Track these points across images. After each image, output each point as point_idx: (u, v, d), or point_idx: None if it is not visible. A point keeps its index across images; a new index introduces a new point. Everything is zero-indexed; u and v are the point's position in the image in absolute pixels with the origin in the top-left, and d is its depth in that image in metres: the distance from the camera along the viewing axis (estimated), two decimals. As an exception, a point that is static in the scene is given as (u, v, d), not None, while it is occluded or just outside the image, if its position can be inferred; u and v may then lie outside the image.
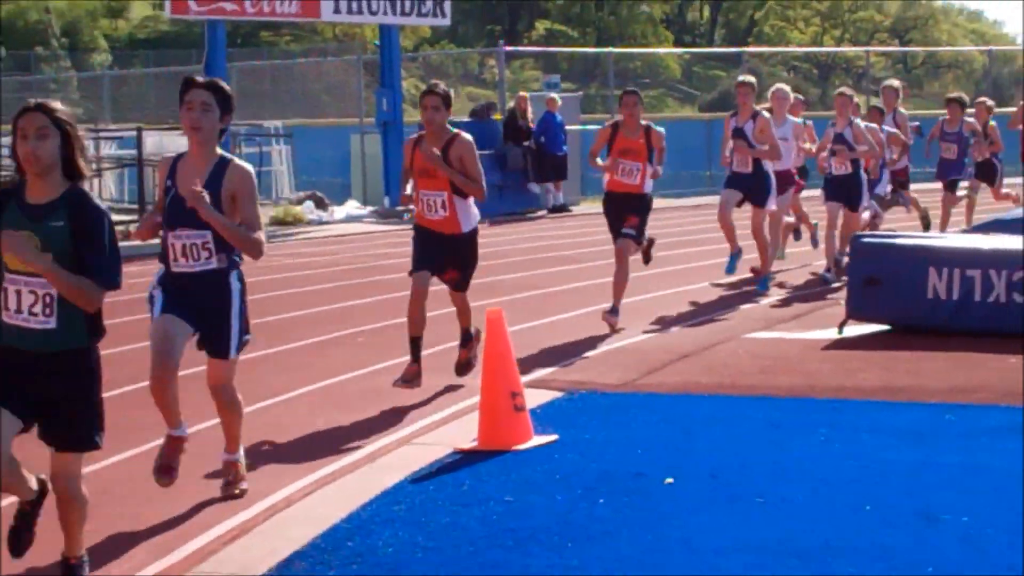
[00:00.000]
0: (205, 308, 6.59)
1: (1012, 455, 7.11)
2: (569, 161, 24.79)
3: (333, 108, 33.69)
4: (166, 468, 6.76)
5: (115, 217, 18.23)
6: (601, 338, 11.21)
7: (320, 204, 24.49)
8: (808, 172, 16.11)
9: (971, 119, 17.48)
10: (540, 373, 9.77)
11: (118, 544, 6.17)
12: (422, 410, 8.77)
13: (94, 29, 70.80)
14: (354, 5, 23.68)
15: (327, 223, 23.38)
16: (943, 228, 16.90)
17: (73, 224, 5.19)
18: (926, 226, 16.95)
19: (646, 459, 7.21)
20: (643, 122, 11.78)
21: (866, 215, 14.85)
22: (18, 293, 5.23)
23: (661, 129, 11.80)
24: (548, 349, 10.76)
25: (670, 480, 6.76)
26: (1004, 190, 18.28)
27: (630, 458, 7.24)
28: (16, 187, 5.30)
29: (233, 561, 5.88)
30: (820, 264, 14.80)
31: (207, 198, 6.33)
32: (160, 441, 7.96)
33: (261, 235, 6.59)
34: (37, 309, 5.23)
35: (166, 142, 26.92)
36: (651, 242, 12.18)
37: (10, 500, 6.67)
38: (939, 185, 17.76)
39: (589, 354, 10.54)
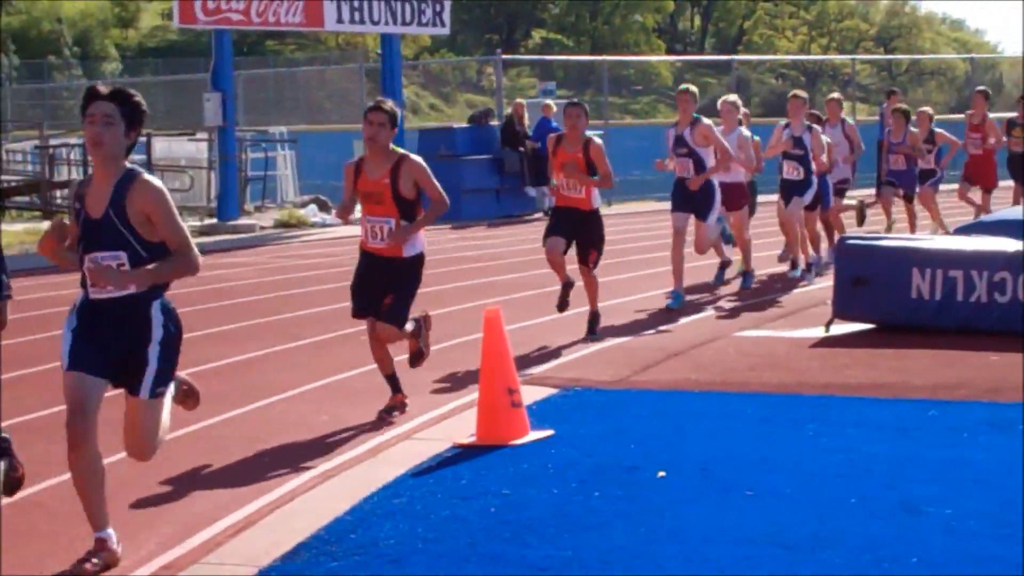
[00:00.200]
0: (120, 342, 5.76)
1: (993, 450, 7.11)
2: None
3: (336, 114, 33.71)
4: None
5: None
6: (598, 336, 11.20)
7: (323, 207, 24.49)
8: (756, 189, 15.29)
9: (914, 129, 16.75)
10: (536, 370, 9.77)
11: (126, 536, 6.15)
12: (422, 406, 8.76)
13: (105, 38, 70.78)
14: (356, 15, 23.70)
15: (330, 226, 23.38)
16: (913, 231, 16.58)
17: None
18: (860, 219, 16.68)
19: (639, 453, 7.21)
20: (586, 134, 11.03)
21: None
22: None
23: (599, 142, 11.08)
24: (544, 347, 10.76)
25: (662, 473, 6.76)
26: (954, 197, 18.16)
27: (623, 452, 7.24)
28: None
29: (239, 553, 5.87)
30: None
31: (114, 272, 5.58)
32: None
33: (191, 251, 5.80)
34: None
35: (175, 147, 26.96)
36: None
37: (13, 498, 6.67)
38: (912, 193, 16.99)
39: (584, 352, 10.54)
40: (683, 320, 12.00)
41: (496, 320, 7.62)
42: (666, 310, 12.45)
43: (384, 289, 8.40)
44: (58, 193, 25.32)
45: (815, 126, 14.11)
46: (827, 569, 5.31)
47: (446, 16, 25.09)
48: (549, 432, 7.72)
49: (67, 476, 7.13)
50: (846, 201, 16.40)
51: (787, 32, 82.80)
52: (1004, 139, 18.32)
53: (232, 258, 18.72)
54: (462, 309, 12.80)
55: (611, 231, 12.36)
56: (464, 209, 23.34)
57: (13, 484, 6.31)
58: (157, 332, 5.86)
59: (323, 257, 18.44)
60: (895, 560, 5.38)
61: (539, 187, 24.63)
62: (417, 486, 6.75)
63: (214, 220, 23.27)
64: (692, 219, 12.87)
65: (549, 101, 25.87)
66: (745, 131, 14.14)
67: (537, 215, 24.49)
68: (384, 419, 8.37)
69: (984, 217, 12.76)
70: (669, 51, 78.06)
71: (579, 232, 11.00)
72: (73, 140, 27.25)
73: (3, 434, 6.33)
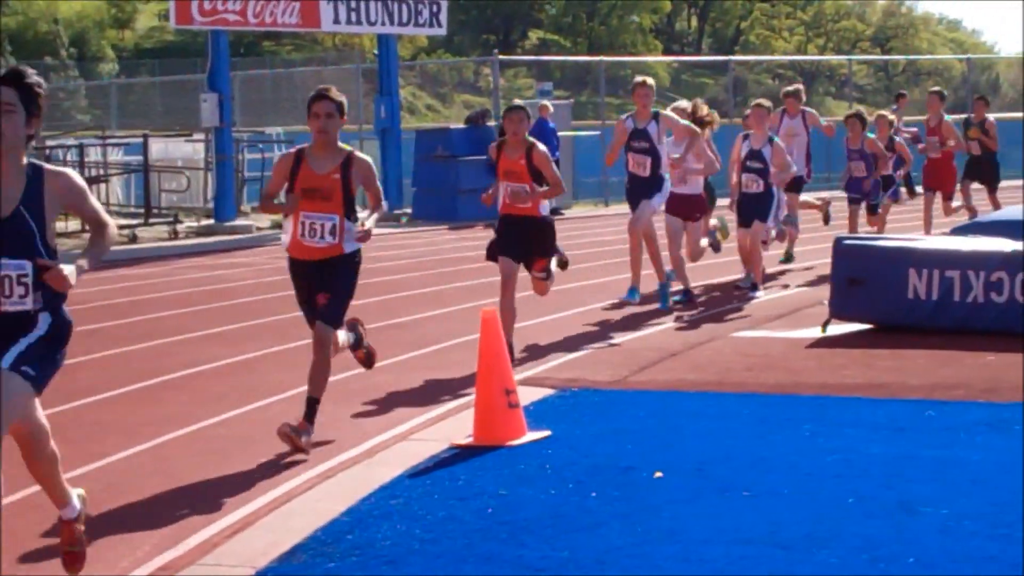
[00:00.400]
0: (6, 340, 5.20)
1: (990, 450, 7.12)
2: (561, 166, 24.77)
3: (333, 115, 33.63)
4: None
5: (121, 221, 18.21)
6: (592, 337, 11.21)
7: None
8: (715, 194, 14.73)
9: (872, 135, 15.80)
10: (533, 371, 9.77)
11: (124, 538, 6.16)
12: (419, 407, 8.76)
13: (101, 39, 70.74)
14: (353, 15, 23.70)
15: (327, 226, 23.33)
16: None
17: None
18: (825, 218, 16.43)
19: (636, 454, 7.21)
20: (527, 140, 10.24)
21: (772, 232, 13.92)
22: None
23: (543, 147, 10.25)
24: (541, 348, 10.77)
25: (659, 474, 6.76)
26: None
27: (620, 453, 7.24)
28: None
29: (236, 554, 5.88)
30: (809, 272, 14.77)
31: (72, 277, 5.17)
32: (161, 440, 7.97)
33: (109, 220, 5.41)
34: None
35: (171, 148, 26.96)
36: (564, 263, 10.90)
37: (10, 499, 6.67)
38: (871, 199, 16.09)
39: (581, 352, 10.54)
40: (679, 321, 12.00)
41: (493, 321, 7.63)
42: (662, 308, 12.45)
43: (318, 288, 7.81)
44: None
45: (777, 139, 13.48)
46: (824, 569, 5.31)
47: (443, 17, 25.10)
48: (546, 433, 7.72)
49: (64, 477, 7.14)
50: (803, 197, 16.09)
51: (784, 33, 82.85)
52: (964, 143, 17.71)
53: (229, 259, 18.72)
54: (460, 309, 12.81)
55: (605, 232, 12.40)
56: (461, 209, 23.36)
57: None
58: (42, 327, 5.30)
59: (320, 258, 18.43)
60: (892, 560, 5.39)
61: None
62: (414, 487, 6.75)
63: (211, 221, 23.27)
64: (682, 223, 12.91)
65: (546, 102, 25.88)
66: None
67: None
68: (285, 434, 7.51)
69: (981, 217, 12.76)
70: (666, 52, 78.07)
71: (529, 242, 10.23)
72: (70, 141, 27.25)
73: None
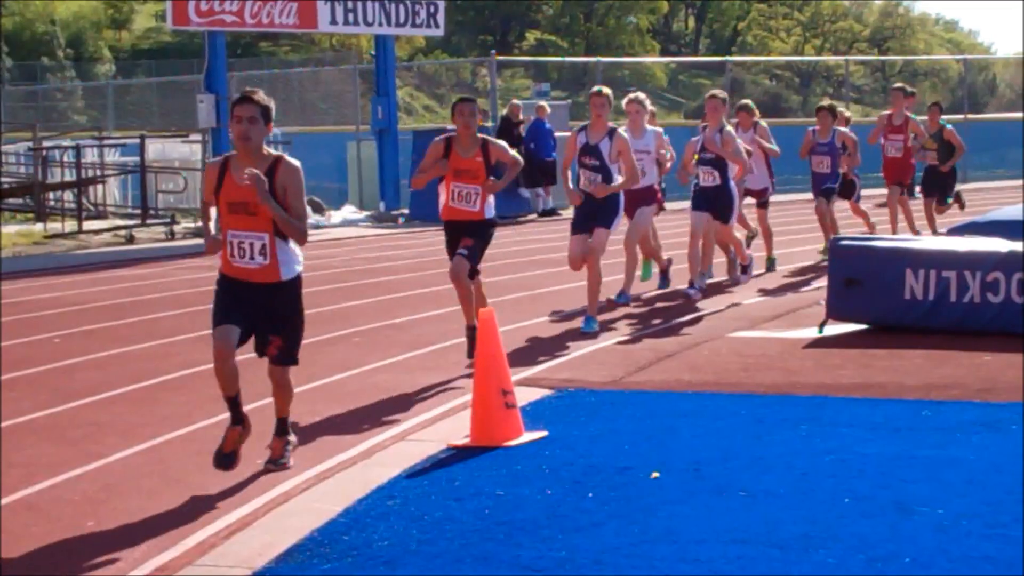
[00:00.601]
0: None
1: (985, 449, 7.13)
2: (558, 166, 24.82)
3: (330, 116, 33.73)
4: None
5: (119, 222, 18.18)
6: (589, 337, 11.22)
7: (318, 209, 24.49)
8: (665, 189, 14.34)
9: (845, 128, 15.51)
10: (530, 372, 9.78)
11: (122, 538, 6.17)
12: (417, 407, 8.77)
13: (98, 40, 70.78)
14: (350, 16, 23.71)
15: (325, 227, 23.38)
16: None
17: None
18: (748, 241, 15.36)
19: (632, 454, 7.22)
20: (479, 136, 9.78)
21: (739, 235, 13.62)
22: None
23: (501, 142, 9.82)
24: (538, 348, 10.78)
25: (656, 474, 6.77)
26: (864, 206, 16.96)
27: (617, 453, 7.25)
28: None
29: (234, 554, 5.89)
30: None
31: None
32: (158, 440, 7.99)
33: None
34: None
35: (168, 149, 26.97)
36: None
37: (10, 499, 6.68)
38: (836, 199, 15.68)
39: (577, 353, 10.55)
40: (676, 321, 12.01)
41: (490, 321, 7.64)
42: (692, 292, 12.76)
43: (258, 321, 7.05)
44: (51, 195, 25.31)
45: (728, 127, 12.97)
46: (820, 569, 5.32)
47: (440, 17, 25.11)
48: (543, 433, 7.73)
49: (60, 478, 7.16)
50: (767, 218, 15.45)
51: (781, 33, 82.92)
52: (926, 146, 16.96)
53: (226, 260, 18.71)
54: (457, 310, 12.80)
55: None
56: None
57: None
58: None
59: (317, 259, 18.44)
60: (888, 560, 5.40)
61: (533, 188, 24.67)
62: (411, 487, 6.76)
63: (208, 222, 23.25)
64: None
65: (543, 102, 25.90)
66: (658, 129, 13.40)
67: (531, 216, 24.52)
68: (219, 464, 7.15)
69: (977, 218, 12.75)
70: (663, 52, 78.17)
71: (465, 234, 9.92)
72: (66, 142, 27.24)
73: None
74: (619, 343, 10.95)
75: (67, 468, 7.38)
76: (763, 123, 15.33)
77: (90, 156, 25.56)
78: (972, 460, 6.90)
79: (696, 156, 12.98)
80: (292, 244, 7.00)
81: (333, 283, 15.52)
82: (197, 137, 25.18)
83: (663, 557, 5.51)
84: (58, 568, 5.74)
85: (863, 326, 11.05)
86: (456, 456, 7.35)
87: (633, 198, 12.51)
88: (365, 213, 24.98)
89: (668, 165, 13.74)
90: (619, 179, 11.38)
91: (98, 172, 25.66)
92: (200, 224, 7.63)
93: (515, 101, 26.33)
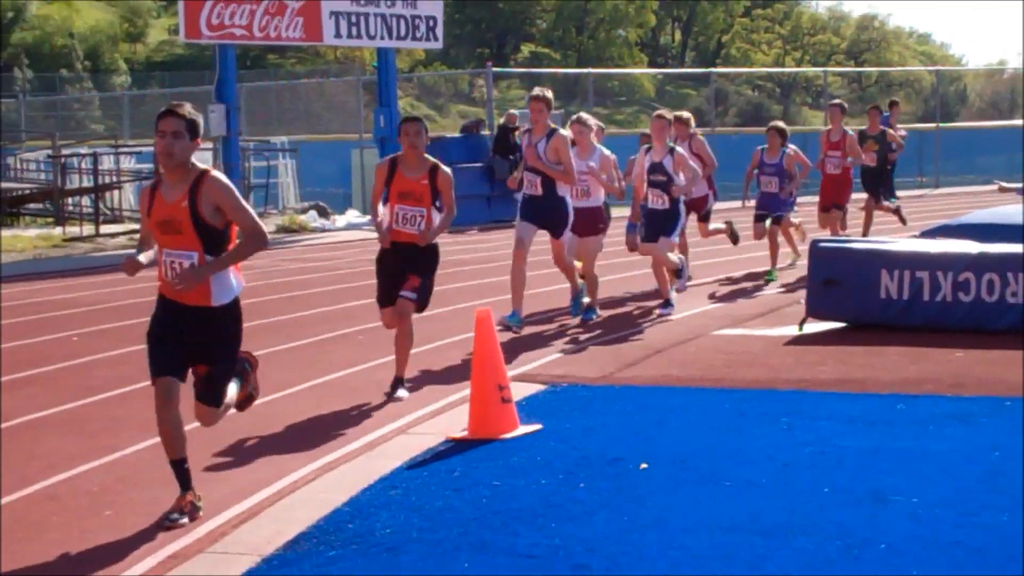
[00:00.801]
0: None
1: (956, 441, 7.13)
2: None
3: (334, 125, 33.72)
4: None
5: (134, 226, 18.10)
6: (581, 336, 11.22)
7: (323, 213, 24.48)
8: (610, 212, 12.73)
9: (794, 148, 14.73)
10: (525, 368, 9.77)
11: (137, 526, 6.16)
12: (417, 402, 8.76)
13: (115, 53, 70.67)
14: (354, 29, 23.68)
15: (329, 231, 23.37)
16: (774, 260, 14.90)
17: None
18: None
19: (622, 446, 7.22)
20: (429, 159, 8.92)
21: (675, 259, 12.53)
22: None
23: (448, 171, 8.94)
24: (532, 346, 10.77)
25: (644, 465, 6.77)
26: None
27: (608, 445, 7.25)
28: None
29: (243, 542, 5.88)
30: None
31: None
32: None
33: None
34: None
35: (181, 156, 26.92)
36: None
37: (10, 498, 6.66)
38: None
39: (570, 350, 10.55)
40: (664, 320, 12.01)
41: (487, 320, 7.63)
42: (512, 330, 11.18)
43: (189, 348, 6.33)
44: (70, 200, 25.29)
45: (678, 149, 12.22)
46: (801, 555, 5.32)
47: (439, 31, 25.08)
48: (537, 426, 7.73)
49: (79, 470, 7.15)
50: (713, 225, 14.76)
51: (763, 46, 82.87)
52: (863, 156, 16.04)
53: (236, 262, 18.69)
54: (455, 309, 12.81)
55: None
56: (457, 215, 23.32)
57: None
58: None
59: (323, 261, 18.44)
60: (865, 546, 5.40)
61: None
62: (412, 478, 6.75)
63: (219, 226, 23.23)
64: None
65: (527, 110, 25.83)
66: (605, 150, 12.10)
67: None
68: (167, 526, 6.15)
69: (948, 221, 12.75)
70: (651, 64, 78.21)
71: (410, 264, 8.94)
72: (84, 150, 27.22)
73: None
74: (610, 341, 10.94)
75: (85, 460, 7.37)
76: (700, 134, 14.68)
77: (107, 163, 25.55)
78: (944, 451, 6.91)
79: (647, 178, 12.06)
80: (228, 270, 6.31)
81: (338, 284, 15.51)
82: (208, 145, 25.15)
83: (652, 544, 5.51)
84: (77, 554, 5.73)
85: (841, 324, 11.05)
86: (455, 448, 7.34)
87: (581, 220, 11.61)
88: (368, 217, 24.96)
89: (617, 185, 12.20)
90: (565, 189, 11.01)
91: (114, 178, 25.64)
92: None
93: (512, 111, 26.31)
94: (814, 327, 11.00)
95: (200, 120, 6.26)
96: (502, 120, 25.39)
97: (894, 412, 7.93)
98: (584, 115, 12.25)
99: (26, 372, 10.12)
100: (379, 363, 10.14)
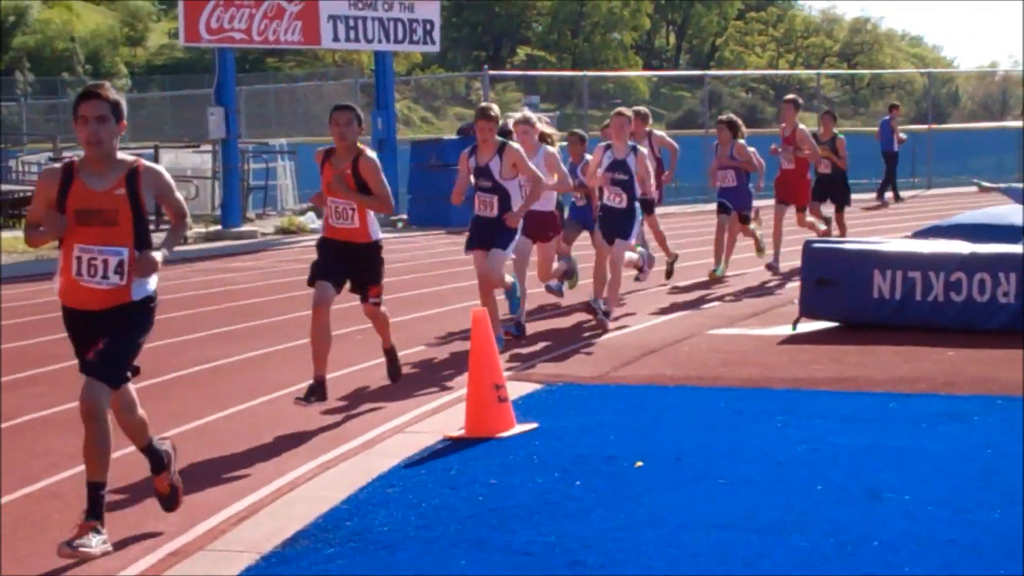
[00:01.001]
0: None
1: (949, 439, 7.13)
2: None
3: (333, 127, 33.66)
4: None
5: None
6: (577, 335, 11.21)
7: (321, 215, 24.47)
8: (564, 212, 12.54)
9: (752, 147, 14.47)
10: (521, 367, 9.76)
11: (136, 524, 6.15)
12: (414, 401, 8.75)
13: (115, 56, 70.71)
14: (351, 33, 23.68)
15: (328, 232, 23.32)
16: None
17: None
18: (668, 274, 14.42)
19: (618, 444, 7.21)
20: (357, 147, 8.39)
21: (635, 255, 12.40)
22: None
23: (372, 155, 8.40)
24: (529, 345, 10.76)
25: (640, 463, 6.76)
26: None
27: (603, 443, 7.24)
28: None
29: (242, 540, 5.86)
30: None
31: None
32: (173, 432, 7.96)
33: None
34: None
35: (181, 159, 26.94)
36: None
37: (10, 498, 6.65)
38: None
39: (566, 349, 10.54)
40: (659, 320, 12.00)
41: (484, 320, 7.62)
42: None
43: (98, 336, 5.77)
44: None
45: (641, 147, 11.77)
46: (796, 552, 5.31)
47: (436, 34, 25.08)
48: (533, 425, 7.72)
49: (80, 469, 7.13)
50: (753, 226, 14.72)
51: (756, 48, 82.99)
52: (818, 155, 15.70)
53: (235, 263, 18.69)
54: (453, 309, 12.80)
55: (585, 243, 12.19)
56: (454, 215, 23.27)
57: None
58: None
59: (321, 261, 18.41)
60: (859, 543, 5.39)
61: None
62: (409, 476, 6.74)
63: (218, 227, 23.22)
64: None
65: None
66: (549, 148, 11.45)
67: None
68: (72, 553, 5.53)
69: (939, 222, 12.75)
70: (646, 67, 78.27)
71: (354, 270, 8.54)
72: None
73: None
74: (605, 340, 10.93)
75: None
76: (658, 131, 14.33)
77: (107, 165, 25.50)
78: (937, 449, 6.90)
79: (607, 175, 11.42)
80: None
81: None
82: (208, 147, 25.16)
83: (648, 541, 5.50)
84: (60, 567, 5.70)
85: (834, 323, 11.05)
86: (452, 447, 7.33)
87: (532, 223, 11.03)
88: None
89: (570, 184, 11.87)
90: (519, 201, 10.28)
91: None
92: (188, 231, 6.41)
93: (513, 113, 26.31)
94: (808, 327, 10.99)
95: (123, 101, 5.68)
96: (501, 122, 25.38)
97: (888, 410, 7.93)
98: (529, 113, 11.75)
99: (27, 372, 10.10)
100: (377, 363, 10.11)
